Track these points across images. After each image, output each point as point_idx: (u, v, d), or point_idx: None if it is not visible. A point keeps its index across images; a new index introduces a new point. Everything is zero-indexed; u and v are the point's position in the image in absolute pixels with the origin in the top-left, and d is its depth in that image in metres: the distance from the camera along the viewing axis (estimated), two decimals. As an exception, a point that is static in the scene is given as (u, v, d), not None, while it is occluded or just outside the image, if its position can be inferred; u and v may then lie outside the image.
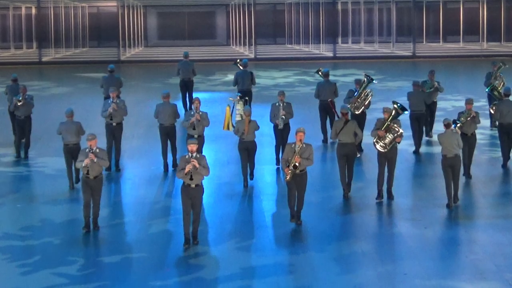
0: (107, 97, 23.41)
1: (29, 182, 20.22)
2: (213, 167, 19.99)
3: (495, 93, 21.67)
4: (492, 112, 21.05)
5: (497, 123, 20.68)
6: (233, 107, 22.35)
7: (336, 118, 20.13)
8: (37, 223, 16.89)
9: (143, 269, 14.39)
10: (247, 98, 23.85)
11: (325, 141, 22.67)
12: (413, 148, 21.81)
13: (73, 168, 18.82)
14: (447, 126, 17.60)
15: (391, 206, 17.52)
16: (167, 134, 19.99)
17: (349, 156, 18.30)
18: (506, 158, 20.29)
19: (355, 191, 18.41)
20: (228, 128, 21.77)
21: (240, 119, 20.09)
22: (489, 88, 22.29)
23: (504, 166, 20.31)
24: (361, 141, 19.62)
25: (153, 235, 16.21)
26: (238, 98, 22.91)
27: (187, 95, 26.60)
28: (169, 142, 20.12)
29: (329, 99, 22.50)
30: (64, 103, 27.26)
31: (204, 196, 15.25)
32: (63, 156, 19.02)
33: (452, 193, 17.55)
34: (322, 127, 22.88)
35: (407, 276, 14.24)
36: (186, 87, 26.68)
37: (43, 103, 26.78)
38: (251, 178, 19.37)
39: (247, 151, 19.08)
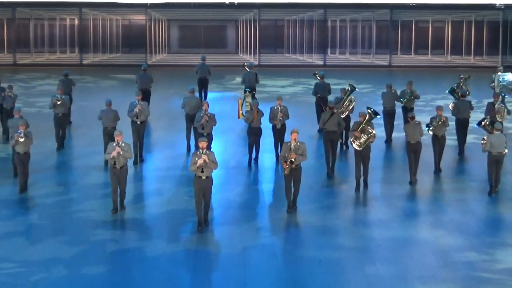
0: (141, 90, 23.55)
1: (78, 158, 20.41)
2: (222, 154, 20.12)
3: (454, 94, 22.00)
4: (451, 108, 21.24)
5: (455, 118, 20.87)
6: (243, 100, 22.75)
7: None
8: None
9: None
10: (254, 92, 24.49)
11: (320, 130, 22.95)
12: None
13: None
14: (411, 118, 18.18)
15: (368, 190, 17.58)
16: (191, 121, 20.01)
17: (333, 142, 18.71)
18: (461, 146, 20.67)
19: (340, 181, 18.38)
20: (240, 117, 22.25)
21: (249, 109, 20.41)
22: (449, 90, 22.54)
23: (460, 153, 20.61)
24: (343, 130, 19.77)
25: (171, 212, 16.33)
26: (247, 93, 23.44)
27: (203, 91, 26.77)
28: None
29: (318, 95, 22.98)
30: (100, 98, 27.26)
31: (214, 177, 15.21)
32: (102, 137, 19.15)
33: (415, 172, 18.02)
34: (318, 118, 23.01)
35: (380, 248, 14.35)
36: (203, 84, 26.80)
37: (83, 98, 26.81)
38: (256, 162, 19.55)
39: (254, 135, 19.40)
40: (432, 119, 18.65)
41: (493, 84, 25.21)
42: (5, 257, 13.56)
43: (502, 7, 34.88)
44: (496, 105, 19.98)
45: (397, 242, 14.60)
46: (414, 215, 16.29)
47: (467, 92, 22.29)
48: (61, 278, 12.78)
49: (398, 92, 22.00)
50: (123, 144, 15.69)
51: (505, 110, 20.09)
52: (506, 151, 17.27)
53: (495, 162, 17.17)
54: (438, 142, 18.67)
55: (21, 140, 16.71)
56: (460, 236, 14.93)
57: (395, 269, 13.31)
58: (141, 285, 12.59)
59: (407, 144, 18.28)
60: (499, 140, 17.09)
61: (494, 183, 17.29)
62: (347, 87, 20.73)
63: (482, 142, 17.39)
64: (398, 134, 21.85)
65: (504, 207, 16.72)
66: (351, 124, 19.32)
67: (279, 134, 19.49)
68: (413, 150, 18.00)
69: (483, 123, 18.14)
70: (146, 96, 24.38)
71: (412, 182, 17.98)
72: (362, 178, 17.51)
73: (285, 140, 17.59)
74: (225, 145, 21.43)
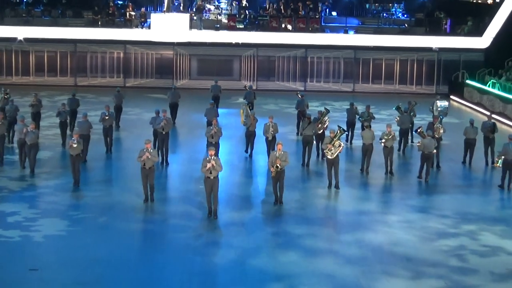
0: (171, 103, 23.53)
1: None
2: (227, 155, 20.18)
3: (398, 110, 22.19)
4: (396, 121, 21.46)
5: (399, 128, 21.24)
6: (244, 110, 23.09)
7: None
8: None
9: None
10: (250, 106, 24.69)
11: (298, 134, 23.15)
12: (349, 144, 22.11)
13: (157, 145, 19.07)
14: (366, 127, 18.87)
15: (337, 186, 17.59)
16: (210, 126, 19.63)
17: (309, 143, 19.02)
18: (403, 148, 21.18)
19: (316, 182, 18.13)
20: (242, 123, 22.60)
21: (248, 117, 20.60)
22: (395, 107, 22.77)
23: (403, 152, 21.05)
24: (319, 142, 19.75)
25: (189, 206, 16.35)
26: (246, 105, 23.65)
27: (215, 105, 26.49)
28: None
29: (298, 109, 23.33)
30: (139, 111, 27.36)
31: (220, 174, 15.09)
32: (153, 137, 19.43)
33: (367, 167, 18.47)
34: (297, 126, 23.26)
35: (343, 231, 14.41)
36: (215, 100, 26.47)
37: (128, 111, 26.86)
38: (250, 157, 19.86)
39: (251, 136, 19.88)
40: (383, 134, 18.69)
41: (431, 107, 25.21)
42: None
43: (437, 50, 35.27)
44: (435, 125, 20.15)
45: (354, 215, 14.69)
46: (366, 198, 16.43)
47: (412, 113, 22.43)
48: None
49: (360, 111, 22.20)
50: (151, 150, 15.36)
51: (442, 129, 20.29)
52: (435, 151, 18.06)
53: (426, 159, 17.83)
54: (388, 152, 18.74)
55: (74, 146, 16.54)
56: (396, 208, 15.50)
57: (353, 233, 13.40)
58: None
59: (362, 146, 18.60)
60: (430, 143, 17.89)
61: (425, 175, 17.91)
62: (324, 110, 20.65)
63: (418, 144, 18.04)
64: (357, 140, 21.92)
65: (431, 191, 17.35)
66: (324, 138, 19.52)
67: (270, 144, 19.36)
68: (366, 149, 18.42)
69: (418, 130, 18.50)
70: (175, 108, 24.51)
71: (362, 171, 18.41)
72: (333, 178, 17.35)
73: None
74: (230, 148, 21.49)
